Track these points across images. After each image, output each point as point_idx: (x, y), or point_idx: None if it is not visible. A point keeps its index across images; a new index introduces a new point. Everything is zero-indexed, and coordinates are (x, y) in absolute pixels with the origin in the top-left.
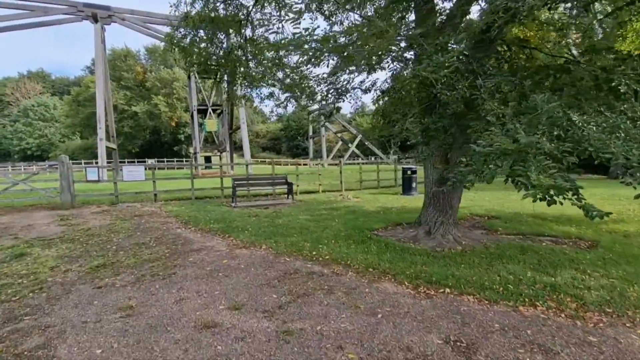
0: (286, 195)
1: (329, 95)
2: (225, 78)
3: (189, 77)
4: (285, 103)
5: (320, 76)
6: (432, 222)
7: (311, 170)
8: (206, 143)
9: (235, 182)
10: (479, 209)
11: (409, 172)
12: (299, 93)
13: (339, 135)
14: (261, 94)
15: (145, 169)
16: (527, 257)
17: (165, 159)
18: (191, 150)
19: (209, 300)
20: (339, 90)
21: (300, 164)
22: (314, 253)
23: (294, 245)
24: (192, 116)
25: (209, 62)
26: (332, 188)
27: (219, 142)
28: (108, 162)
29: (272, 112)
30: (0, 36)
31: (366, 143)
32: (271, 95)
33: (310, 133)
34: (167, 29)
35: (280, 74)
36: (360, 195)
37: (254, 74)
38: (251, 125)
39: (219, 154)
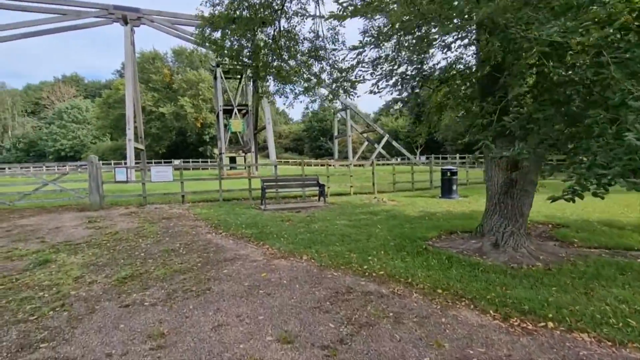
0: (317, 198)
1: (388, 84)
2: (256, 73)
3: (215, 78)
4: (331, 95)
5: (375, 62)
6: (500, 232)
7: (342, 171)
8: (230, 144)
9: (265, 184)
10: (537, 214)
11: (448, 174)
12: (344, 84)
13: (365, 135)
14: (295, 89)
15: (173, 169)
16: (629, 278)
17: (190, 160)
18: (215, 151)
19: (253, 328)
20: (405, 77)
21: (329, 165)
22: (365, 267)
23: (338, 256)
24: (217, 116)
25: (240, 56)
26: (363, 190)
27: (243, 143)
28: (136, 163)
29: (307, 108)
30: (37, 42)
31: (393, 143)
32: (307, 90)
33: (336, 133)
34: (192, 29)
35: (316, 68)
36: (395, 198)
37: (287, 68)
38: (274, 126)
39: (243, 154)
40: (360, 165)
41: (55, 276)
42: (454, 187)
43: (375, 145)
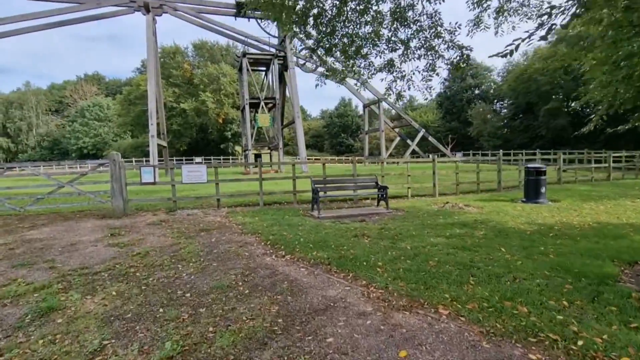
0: (376, 202)
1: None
2: (320, 44)
3: (239, 70)
4: (429, 71)
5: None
6: None
7: (399, 170)
8: (255, 140)
9: (317, 186)
10: None
11: (535, 173)
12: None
13: (397, 130)
14: (373, 64)
15: (207, 168)
16: None
17: (211, 157)
18: (238, 148)
19: None
20: None
21: (361, 163)
22: (567, 342)
23: (498, 311)
24: (242, 111)
25: (307, 18)
26: (419, 191)
27: (269, 139)
28: (159, 161)
29: (388, 88)
30: (61, 44)
31: (429, 138)
32: (390, 64)
33: (366, 127)
34: (217, 18)
35: (402, 34)
36: (470, 202)
37: (361, 34)
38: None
39: (269, 151)
40: (394, 163)
41: (60, 346)
42: (543, 190)
43: (408, 142)
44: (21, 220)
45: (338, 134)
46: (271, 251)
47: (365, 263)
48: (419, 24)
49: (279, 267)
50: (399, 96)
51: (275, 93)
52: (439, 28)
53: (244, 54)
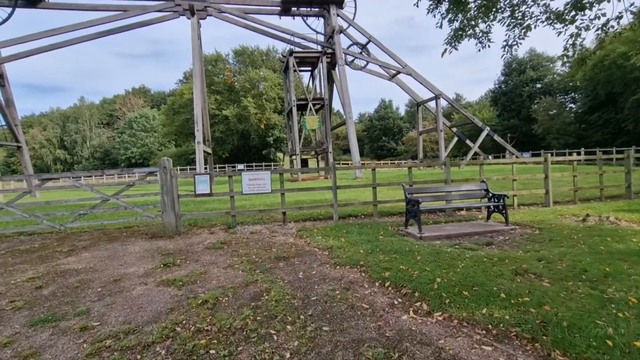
0: (486, 216)
1: None
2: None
3: (285, 70)
4: None
5: None
6: None
7: (468, 172)
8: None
9: (413, 195)
10: None
11: None
12: None
13: (454, 130)
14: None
15: (271, 175)
16: None
17: (253, 164)
18: (279, 154)
19: None
20: None
21: (414, 167)
22: None
23: None
24: (288, 114)
25: None
26: (524, 200)
27: (316, 143)
28: (204, 168)
29: (571, 44)
30: (111, 60)
31: (495, 137)
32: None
33: (420, 127)
34: (263, 17)
35: None
36: (607, 212)
37: None
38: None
39: (316, 156)
40: (456, 166)
41: None
42: None
43: (468, 142)
44: (61, 241)
45: (379, 137)
46: (401, 301)
47: (580, 338)
48: None
49: (438, 341)
50: (582, 61)
51: (324, 93)
52: None
53: (291, 52)
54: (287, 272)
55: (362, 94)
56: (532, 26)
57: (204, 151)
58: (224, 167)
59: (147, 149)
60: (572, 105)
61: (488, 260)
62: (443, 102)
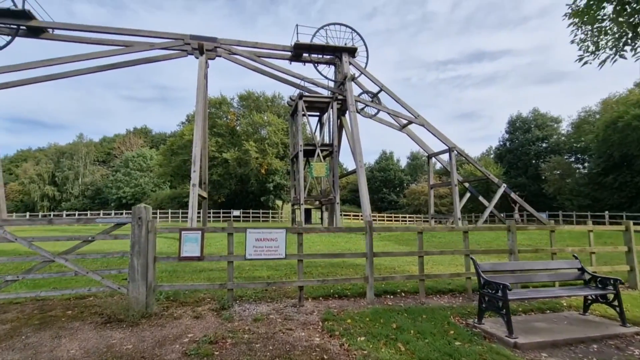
0: (582, 306)
1: None
2: None
3: (292, 114)
4: None
5: None
6: None
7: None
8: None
9: (486, 277)
10: None
11: None
12: None
13: (466, 185)
14: None
15: (287, 234)
16: None
17: (250, 210)
18: (278, 202)
19: None
20: None
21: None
22: None
23: None
24: (293, 159)
25: None
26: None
27: (320, 192)
28: (197, 213)
29: None
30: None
31: (512, 195)
32: None
33: (431, 181)
34: (273, 61)
35: None
36: None
37: None
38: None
39: (321, 206)
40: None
41: None
42: None
43: (482, 199)
44: None
45: (379, 189)
46: None
47: None
48: None
49: None
50: None
51: (332, 139)
52: None
53: (301, 96)
54: None
55: (362, 144)
56: None
57: (199, 195)
58: (219, 213)
59: (141, 189)
60: (579, 165)
61: None
62: (459, 155)
